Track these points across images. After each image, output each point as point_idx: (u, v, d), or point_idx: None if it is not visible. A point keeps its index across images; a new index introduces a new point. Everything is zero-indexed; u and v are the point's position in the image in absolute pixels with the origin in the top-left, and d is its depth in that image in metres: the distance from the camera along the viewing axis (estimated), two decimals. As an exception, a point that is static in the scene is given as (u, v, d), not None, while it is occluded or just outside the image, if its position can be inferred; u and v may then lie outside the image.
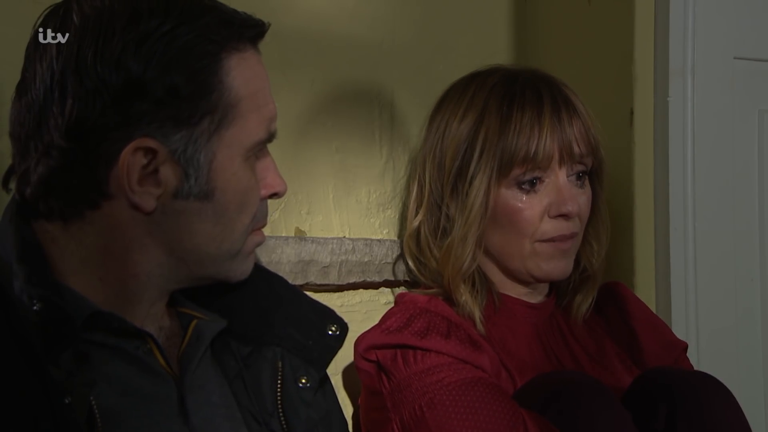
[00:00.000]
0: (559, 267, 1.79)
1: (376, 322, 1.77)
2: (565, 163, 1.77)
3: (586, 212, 1.81)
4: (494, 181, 1.76)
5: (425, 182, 1.83)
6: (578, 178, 1.79)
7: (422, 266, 1.85)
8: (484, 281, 1.81)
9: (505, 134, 1.75)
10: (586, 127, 1.78)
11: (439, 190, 1.81)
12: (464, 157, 1.78)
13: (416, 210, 1.85)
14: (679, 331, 1.99)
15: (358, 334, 1.74)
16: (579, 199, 1.78)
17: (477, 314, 1.76)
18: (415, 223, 1.85)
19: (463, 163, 1.78)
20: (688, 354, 1.94)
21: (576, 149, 1.76)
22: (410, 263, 1.88)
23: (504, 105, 1.76)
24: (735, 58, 2.14)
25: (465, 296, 1.77)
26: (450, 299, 1.78)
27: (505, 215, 1.77)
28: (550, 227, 1.77)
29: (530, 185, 1.76)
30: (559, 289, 1.89)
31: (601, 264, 1.87)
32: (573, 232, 1.79)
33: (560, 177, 1.77)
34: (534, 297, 1.85)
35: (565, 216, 1.77)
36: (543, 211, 1.77)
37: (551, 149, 1.75)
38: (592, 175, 1.83)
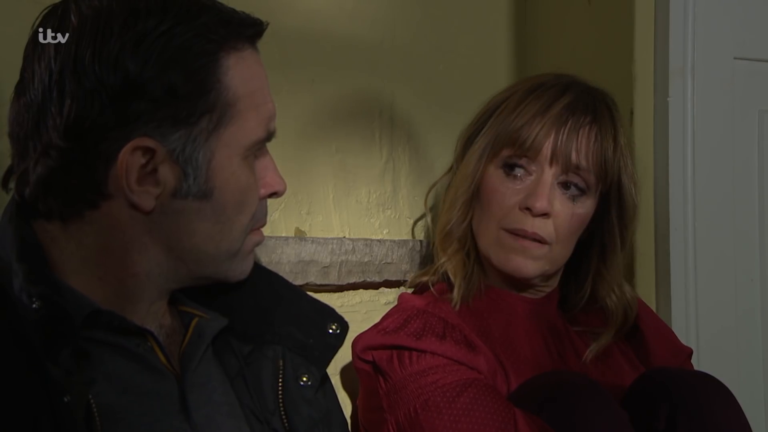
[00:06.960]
0: (515, 263, 1.76)
1: (376, 322, 1.77)
2: (558, 164, 1.74)
3: (564, 225, 1.76)
4: (487, 154, 1.77)
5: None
6: (566, 187, 1.76)
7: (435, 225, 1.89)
8: (479, 273, 1.81)
9: (513, 114, 1.76)
10: (602, 147, 1.75)
11: (458, 152, 1.85)
12: (477, 124, 1.81)
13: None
14: (679, 332, 1.99)
15: (356, 335, 1.75)
16: (554, 203, 1.75)
17: (458, 281, 1.77)
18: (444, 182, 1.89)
19: (474, 130, 1.81)
20: (688, 355, 1.95)
21: (574, 158, 1.74)
22: (428, 219, 1.94)
23: (531, 91, 1.78)
24: (735, 58, 2.13)
25: (444, 258, 1.79)
26: (449, 280, 1.79)
27: (485, 193, 1.78)
28: (514, 218, 1.75)
29: (510, 169, 1.76)
30: (567, 298, 1.88)
31: (621, 304, 1.84)
32: (535, 232, 1.74)
33: (546, 175, 1.74)
34: (534, 294, 1.84)
35: (529, 210, 1.74)
36: (516, 200, 1.75)
37: (541, 143, 1.73)
38: (607, 204, 1.80)
